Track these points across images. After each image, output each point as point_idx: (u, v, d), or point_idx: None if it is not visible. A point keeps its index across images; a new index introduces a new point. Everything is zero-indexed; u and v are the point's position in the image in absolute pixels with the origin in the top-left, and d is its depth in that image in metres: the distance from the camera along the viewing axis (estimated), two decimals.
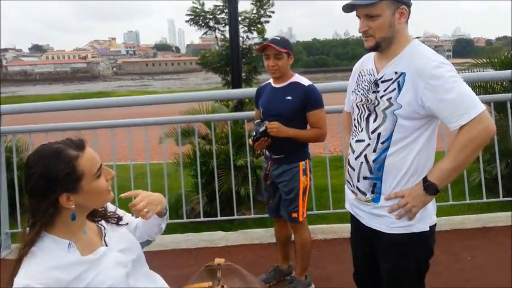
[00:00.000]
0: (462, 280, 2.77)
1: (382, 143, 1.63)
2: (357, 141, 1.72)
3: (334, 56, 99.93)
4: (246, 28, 8.96)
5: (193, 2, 8.95)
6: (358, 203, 1.77)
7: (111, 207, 1.53)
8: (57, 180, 1.24)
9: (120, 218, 1.51)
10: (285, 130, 2.55)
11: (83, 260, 1.29)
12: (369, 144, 1.66)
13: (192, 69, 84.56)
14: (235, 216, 3.95)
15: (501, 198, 3.74)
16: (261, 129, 2.56)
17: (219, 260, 1.64)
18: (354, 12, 1.63)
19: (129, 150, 3.90)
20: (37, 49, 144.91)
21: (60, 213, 1.29)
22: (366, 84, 1.71)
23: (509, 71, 3.59)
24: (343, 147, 1.91)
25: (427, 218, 1.66)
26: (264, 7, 9.09)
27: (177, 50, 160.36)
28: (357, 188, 1.73)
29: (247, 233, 3.76)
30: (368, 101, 1.68)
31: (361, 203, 1.75)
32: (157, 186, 3.73)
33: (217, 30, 9.19)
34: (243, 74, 8.42)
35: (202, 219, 3.92)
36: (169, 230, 3.58)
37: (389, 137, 1.62)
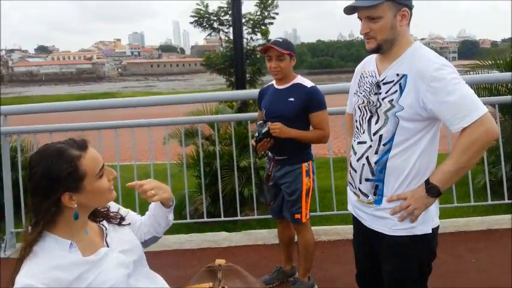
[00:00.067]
0: (466, 282, 2.75)
1: (384, 144, 1.63)
2: (359, 143, 1.72)
3: (338, 58, 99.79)
4: (250, 29, 8.98)
5: (197, 4, 8.97)
6: (360, 205, 1.77)
7: (114, 207, 1.53)
8: (59, 179, 1.25)
9: (122, 218, 1.52)
10: (287, 131, 2.55)
11: (84, 261, 1.29)
12: (370, 146, 1.66)
13: (197, 71, 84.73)
14: (239, 217, 3.96)
15: (506, 201, 3.72)
16: (263, 130, 2.56)
17: (219, 261, 1.65)
18: (356, 14, 1.64)
19: (133, 150, 3.91)
20: (43, 50, 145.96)
21: (62, 213, 1.29)
22: (368, 86, 1.71)
23: None
24: (347, 148, 1.91)
25: (429, 221, 1.65)
26: (268, 8, 9.10)
27: (182, 51, 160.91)
28: (359, 190, 1.73)
29: (250, 234, 3.76)
30: (370, 102, 1.68)
31: (363, 205, 1.74)
32: None
33: (221, 32, 9.21)
34: (247, 75, 8.43)
35: (205, 219, 3.93)
36: (173, 230, 3.59)
37: (391, 139, 1.61)
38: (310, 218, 2.76)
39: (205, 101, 4.68)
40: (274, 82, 2.74)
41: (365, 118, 1.70)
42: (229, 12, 8.58)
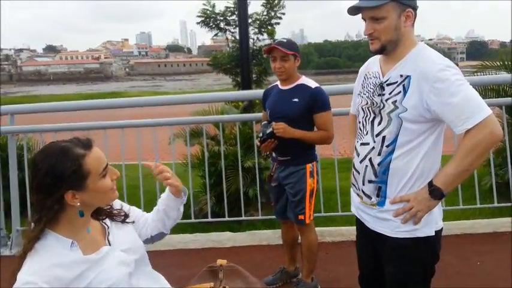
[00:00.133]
0: (471, 285, 2.74)
1: (387, 146, 1.62)
2: (362, 144, 1.71)
3: (346, 58, 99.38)
4: (256, 30, 8.96)
5: (204, 4, 8.97)
6: (363, 206, 1.76)
7: (117, 204, 1.54)
8: (63, 177, 1.26)
9: (126, 216, 1.53)
10: (291, 131, 2.55)
11: (85, 259, 1.30)
12: (373, 148, 1.65)
13: (204, 70, 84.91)
14: (243, 217, 3.96)
15: None
16: (267, 131, 2.56)
17: (221, 261, 1.65)
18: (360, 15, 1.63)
19: (138, 150, 3.93)
20: (51, 49, 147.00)
21: (65, 211, 1.31)
22: (372, 87, 1.70)
23: None
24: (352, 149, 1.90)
25: (432, 223, 1.64)
26: (275, 9, 9.08)
27: (189, 51, 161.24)
28: (362, 191, 1.72)
29: (255, 234, 3.76)
30: (373, 103, 1.67)
31: (367, 207, 1.74)
32: None
33: (228, 32, 9.20)
34: (254, 76, 8.41)
35: (210, 219, 3.94)
36: (178, 229, 3.60)
37: (394, 140, 1.60)
38: (314, 219, 2.76)
39: (211, 101, 4.69)
40: (278, 83, 2.74)
41: (368, 119, 1.70)
42: (236, 13, 8.57)
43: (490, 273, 2.88)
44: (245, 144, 4.40)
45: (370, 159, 1.66)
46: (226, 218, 3.86)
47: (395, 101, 1.59)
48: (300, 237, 2.83)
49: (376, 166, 1.65)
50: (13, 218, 3.78)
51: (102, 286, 1.28)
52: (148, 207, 1.74)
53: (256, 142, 2.73)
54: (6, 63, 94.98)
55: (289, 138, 2.55)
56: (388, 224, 1.66)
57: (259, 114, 3.62)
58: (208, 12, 9.09)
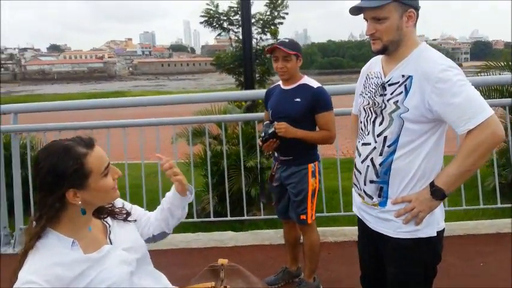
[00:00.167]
0: (474, 286, 2.73)
1: (389, 146, 1.62)
2: (363, 144, 1.71)
3: (349, 58, 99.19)
4: (259, 29, 8.96)
5: (207, 4, 8.98)
6: (365, 207, 1.76)
7: (118, 202, 1.54)
8: (64, 175, 1.27)
9: (128, 214, 1.53)
10: (293, 131, 2.55)
11: (87, 258, 1.30)
12: (375, 148, 1.65)
13: (207, 70, 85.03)
14: (246, 217, 3.96)
15: None
16: (269, 131, 2.56)
17: (222, 261, 1.65)
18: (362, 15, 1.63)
19: (140, 149, 3.94)
20: (55, 49, 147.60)
21: (66, 209, 1.31)
22: (373, 87, 1.70)
23: None
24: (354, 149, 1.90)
25: (434, 224, 1.63)
26: (278, 8, 9.07)
27: (192, 50, 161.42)
28: (364, 192, 1.72)
29: (257, 234, 3.76)
30: (375, 104, 1.67)
31: (368, 207, 1.73)
32: (169, 185, 3.74)
33: (231, 32, 9.20)
34: (257, 75, 8.41)
35: (212, 219, 3.94)
36: (180, 229, 3.60)
37: (396, 141, 1.60)
38: (316, 219, 2.76)
39: (214, 101, 4.69)
40: (280, 82, 2.74)
41: (370, 119, 1.70)
42: (239, 12, 8.57)
43: (493, 274, 2.87)
44: (247, 144, 4.40)
45: (371, 160, 1.66)
46: (229, 218, 3.87)
47: (397, 101, 1.59)
48: (302, 237, 2.83)
49: (377, 166, 1.64)
50: (16, 217, 3.80)
51: (103, 285, 1.29)
52: (151, 206, 1.74)
53: (258, 142, 2.73)
54: (11, 62, 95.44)
55: (291, 138, 2.55)
56: (390, 224, 1.65)
57: (261, 114, 3.62)
58: (211, 12, 9.09)
